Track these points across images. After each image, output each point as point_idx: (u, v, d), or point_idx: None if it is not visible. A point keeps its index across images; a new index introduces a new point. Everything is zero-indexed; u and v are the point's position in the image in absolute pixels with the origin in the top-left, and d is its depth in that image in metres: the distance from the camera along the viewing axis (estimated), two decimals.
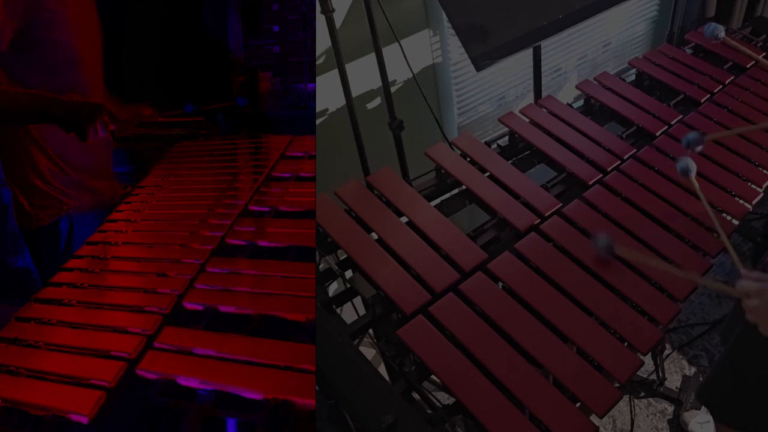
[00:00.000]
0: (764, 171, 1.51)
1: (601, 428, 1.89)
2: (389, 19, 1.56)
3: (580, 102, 1.78)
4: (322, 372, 1.09)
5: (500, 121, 1.64)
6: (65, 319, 0.97)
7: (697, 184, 1.24)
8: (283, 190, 1.41)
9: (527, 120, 1.64)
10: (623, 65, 2.30)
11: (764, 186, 1.48)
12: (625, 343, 1.13)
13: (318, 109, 1.80)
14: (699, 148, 1.34)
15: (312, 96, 2.09)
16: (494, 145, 1.58)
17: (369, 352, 1.96)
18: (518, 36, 1.57)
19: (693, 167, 1.25)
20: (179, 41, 2.21)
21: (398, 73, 1.83)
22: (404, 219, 1.36)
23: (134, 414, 0.78)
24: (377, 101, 1.89)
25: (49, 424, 0.77)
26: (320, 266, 1.33)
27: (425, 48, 1.92)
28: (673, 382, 2.01)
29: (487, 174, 1.47)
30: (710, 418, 1.76)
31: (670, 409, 1.94)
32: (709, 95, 1.75)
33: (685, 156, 1.28)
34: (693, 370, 2.05)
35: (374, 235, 1.33)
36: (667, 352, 2.09)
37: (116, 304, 1.00)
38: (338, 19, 1.57)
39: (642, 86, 1.81)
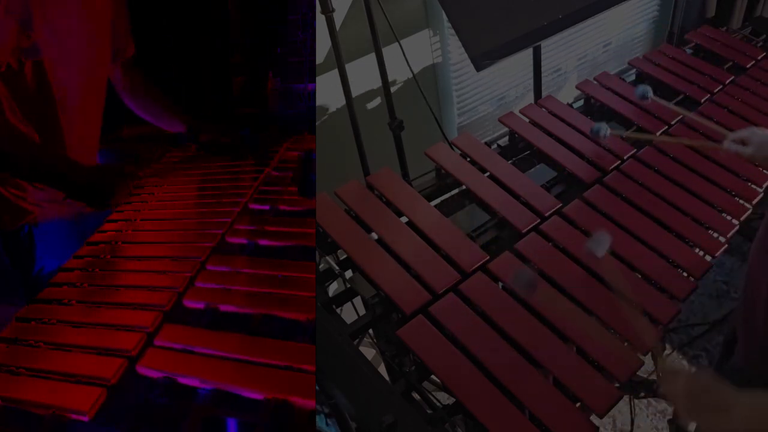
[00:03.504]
0: (764, 171, 1.51)
1: (601, 428, 1.88)
2: (389, 19, 1.56)
3: (580, 102, 1.78)
4: (322, 372, 1.09)
5: (500, 121, 1.64)
6: (65, 318, 0.97)
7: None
8: (283, 189, 1.41)
9: (527, 120, 1.64)
10: (623, 65, 2.30)
11: (764, 186, 1.48)
12: (625, 343, 1.13)
13: (318, 109, 1.80)
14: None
15: (312, 96, 2.09)
16: (494, 145, 1.58)
17: (369, 352, 1.96)
18: (518, 36, 1.57)
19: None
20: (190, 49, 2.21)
21: (398, 73, 1.83)
22: (404, 219, 1.36)
23: (134, 412, 0.78)
24: (377, 101, 1.89)
25: (49, 422, 0.77)
26: (320, 266, 1.33)
27: (425, 48, 1.92)
28: None
29: (487, 174, 1.47)
30: None
31: (670, 409, 1.94)
32: (709, 95, 1.75)
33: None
34: (693, 370, 2.05)
35: (374, 235, 1.33)
36: (667, 352, 2.08)
37: (116, 302, 1.00)
38: (338, 19, 1.57)
39: None
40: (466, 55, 1.51)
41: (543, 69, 1.89)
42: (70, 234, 1.44)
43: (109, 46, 1.47)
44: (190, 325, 0.92)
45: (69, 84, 1.37)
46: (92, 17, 1.38)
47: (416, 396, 1.12)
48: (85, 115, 1.44)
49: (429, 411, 1.07)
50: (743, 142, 1.26)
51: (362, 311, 1.27)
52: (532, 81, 1.91)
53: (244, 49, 2.41)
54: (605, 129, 1.44)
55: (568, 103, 1.69)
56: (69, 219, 1.45)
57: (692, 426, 1.83)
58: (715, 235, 1.35)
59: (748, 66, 1.87)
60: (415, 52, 1.84)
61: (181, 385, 0.81)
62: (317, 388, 1.10)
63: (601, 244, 1.02)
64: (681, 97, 1.75)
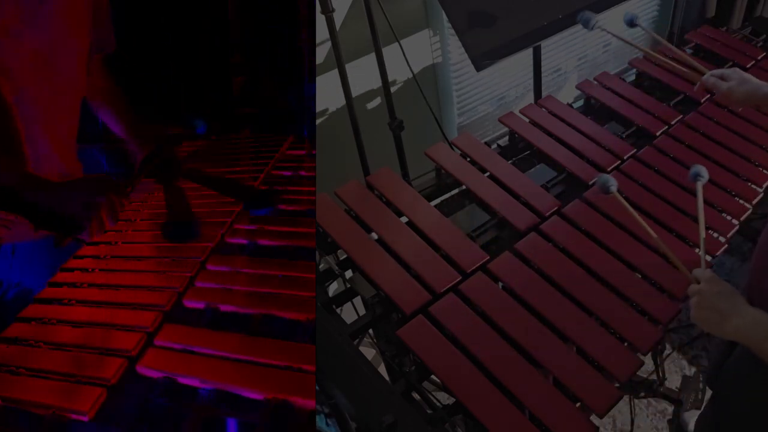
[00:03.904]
0: (764, 171, 1.51)
1: (601, 428, 1.89)
2: (389, 19, 1.56)
3: (580, 102, 1.78)
4: (322, 372, 1.09)
5: (500, 121, 1.64)
6: (65, 318, 0.97)
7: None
8: (283, 189, 1.41)
9: (527, 120, 1.64)
10: (623, 65, 2.31)
11: (764, 186, 1.48)
12: (625, 343, 1.13)
13: (318, 109, 1.80)
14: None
15: (312, 96, 2.09)
16: (494, 145, 1.58)
17: (369, 352, 1.96)
18: (518, 36, 1.57)
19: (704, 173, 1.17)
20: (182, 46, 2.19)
21: (398, 73, 1.83)
22: (404, 219, 1.36)
23: (134, 412, 0.78)
24: (377, 101, 1.89)
25: (49, 422, 0.77)
26: (320, 266, 1.33)
27: (425, 48, 1.92)
28: (673, 382, 2.01)
29: (487, 174, 1.47)
30: None
31: (670, 409, 1.94)
32: (709, 95, 1.75)
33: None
34: (693, 370, 2.05)
35: (374, 235, 1.33)
36: (667, 352, 2.08)
37: (116, 302, 1.00)
38: (338, 19, 1.57)
39: (642, 86, 1.81)
40: (466, 55, 1.51)
41: (543, 69, 1.89)
42: (52, 252, 1.16)
43: (88, 39, 1.27)
44: (190, 325, 0.93)
45: (45, 81, 1.16)
46: (70, 7, 1.18)
47: (416, 396, 1.12)
48: (62, 114, 1.26)
49: (429, 411, 1.07)
50: (723, 78, 1.26)
51: (362, 311, 1.27)
52: (532, 81, 1.91)
53: (244, 49, 2.42)
54: (593, 19, 1.43)
55: (568, 103, 1.69)
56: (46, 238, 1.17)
57: (693, 425, 1.83)
58: (715, 235, 1.35)
59: (748, 66, 1.87)
60: (415, 52, 1.84)
61: (181, 385, 0.81)
62: (317, 388, 1.10)
63: (702, 172, 1.13)
64: (681, 97, 1.74)
